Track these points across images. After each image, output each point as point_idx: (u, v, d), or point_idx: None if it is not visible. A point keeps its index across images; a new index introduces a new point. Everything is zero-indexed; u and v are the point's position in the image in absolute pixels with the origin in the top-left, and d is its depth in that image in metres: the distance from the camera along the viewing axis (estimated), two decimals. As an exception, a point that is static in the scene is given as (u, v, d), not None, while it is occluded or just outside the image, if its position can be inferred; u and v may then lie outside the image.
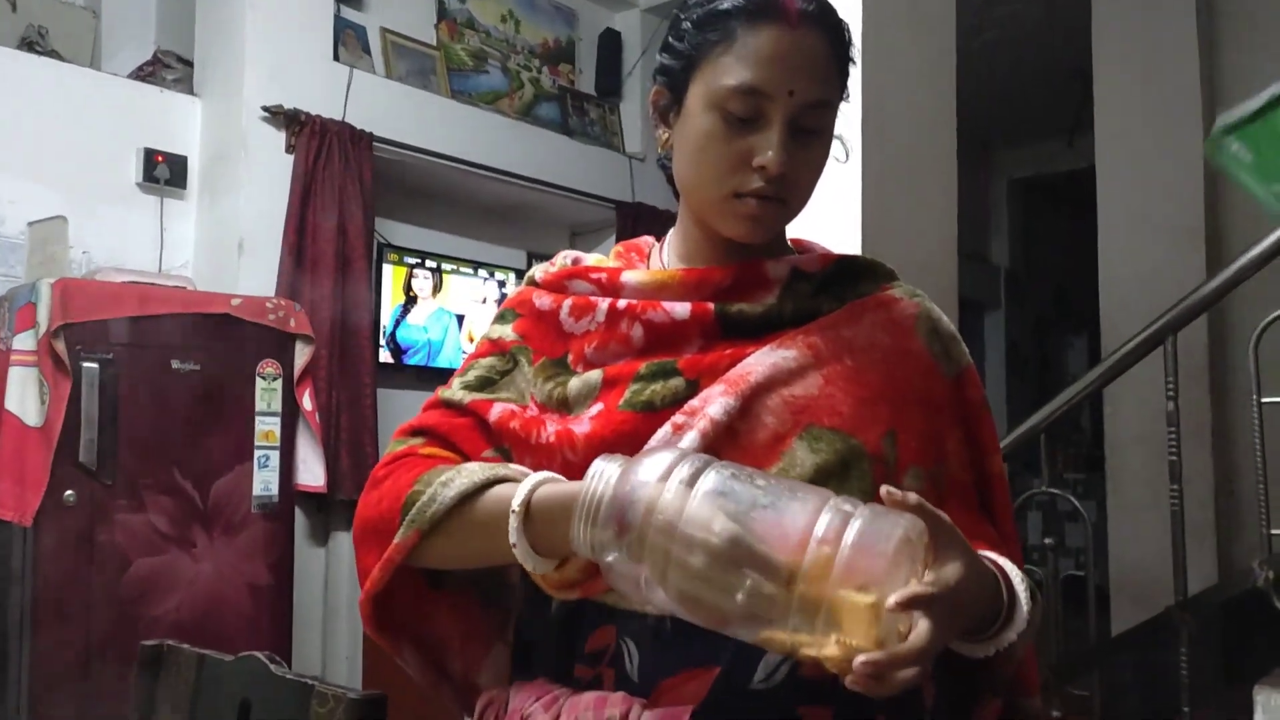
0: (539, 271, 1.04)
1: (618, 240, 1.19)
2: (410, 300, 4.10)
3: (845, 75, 0.96)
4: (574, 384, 0.93)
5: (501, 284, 4.34)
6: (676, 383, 0.91)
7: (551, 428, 0.92)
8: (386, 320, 3.98)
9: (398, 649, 1.01)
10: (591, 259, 1.03)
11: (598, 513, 0.75)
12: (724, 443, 0.88)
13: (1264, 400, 2.16)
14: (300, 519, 3.32)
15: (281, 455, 3.01)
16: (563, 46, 4.69)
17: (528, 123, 4.34)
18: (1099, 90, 3.52)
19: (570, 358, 0.96)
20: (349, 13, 3.84)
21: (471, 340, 4.26)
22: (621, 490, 0.74)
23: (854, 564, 0.69)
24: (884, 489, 0.74)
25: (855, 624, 0.68)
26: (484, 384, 0.99)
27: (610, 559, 0.75)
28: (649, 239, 1.08)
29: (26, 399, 2.65)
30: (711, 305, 0.94)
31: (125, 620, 2.64)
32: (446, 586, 1.01)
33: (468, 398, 0.98)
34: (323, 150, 3.51)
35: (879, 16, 1.80)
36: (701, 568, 0.71)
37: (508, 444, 0.95)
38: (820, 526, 0.71)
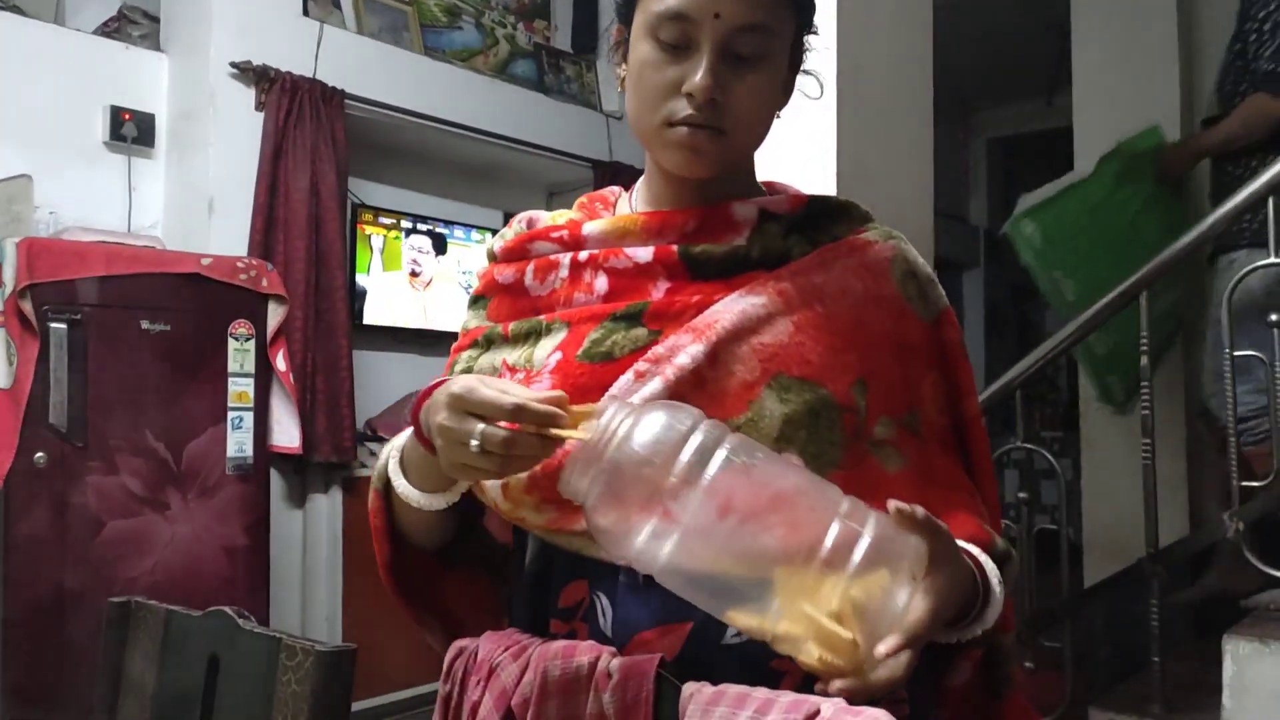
0: (496, 244, 1.02)
1: None
2: (414, 274, 4.09)
3: (796, 3, 0.93)
4: (543, 341, 0.93)
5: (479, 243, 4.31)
6: (638, 332, 0.90)
7: (518, 377, 0.92)
8: (363, 281, 3.94)
9: (421, 621, 1.04)
10: (548, 217, 1.02)
11: (607, 473, 0.74)
12: (691, 390, 0.87)
13: (1236, 354, 2.17)
14: (276, 481, 3.30)
15: (256, 417, 2.99)
16: (538, 3, 4.62)
17: (503, 80, 4.29)
18: (1077, 47, 3.50)
19: (542, 318, 0.95)
20: (319, -33, 3.77)
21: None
22: (630, 455, 0.73)
23: (850, 597, 0.71)
24: (893, 505, 0.74)
25: (838, 649, 0.70)
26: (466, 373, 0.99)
27: (603, 520, 0.75)
28: (616, 189, 1.06)
29: (-7, 360, 2.62)
30: (675, 247, 0.93)
31: (99, 582, 2.63)
32: (458, 566, 1.03)
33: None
34: (293, 108, 3.45)
35: (854, -33, 1.78)
36: (699, 550, 0.72)
37: None
38: (828, 543, 0.71)
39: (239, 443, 2.93)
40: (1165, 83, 3.14)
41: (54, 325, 2.60)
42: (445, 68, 4.06)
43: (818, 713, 0.74)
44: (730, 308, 0.90)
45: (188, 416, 2.85)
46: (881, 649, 0.70)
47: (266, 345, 3.02)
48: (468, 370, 0.98)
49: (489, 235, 4.29)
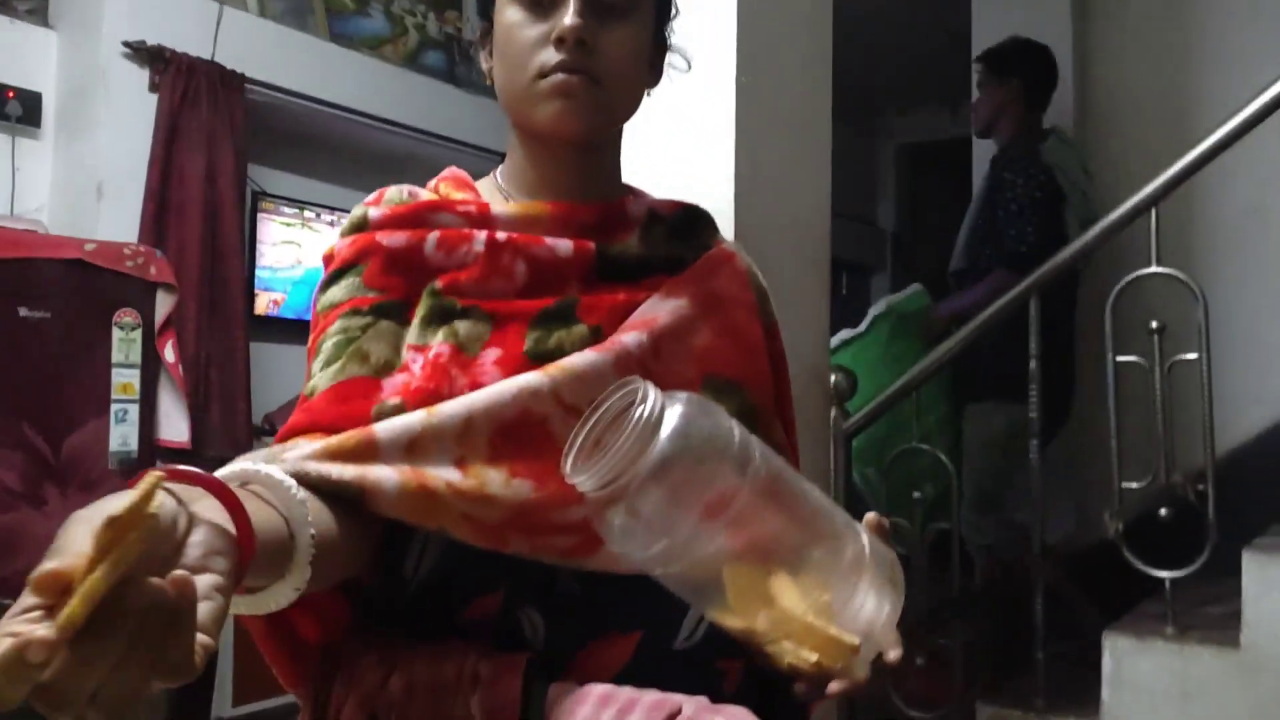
0: (372, 211, 0.92)
1: None
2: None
3: None
4: (462, 326, 0.86)
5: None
6: (580, 329, 0.87)
7: (461, 380, 0.83)
8: (264, 270, 3.83)
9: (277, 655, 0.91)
10: (425, 192, 0.97)
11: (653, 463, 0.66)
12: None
13: (1118, 359, 2.24)
14: (165, 476, 3.19)
15: (142, 409, 2.88)
16: (449, -8, 4.56)
17: (412, 70, 4.22)
18: (976, 58, 3.58)
19: (439, 286, 0.87)
20: (219, -54, 3.66)
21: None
22: (684, 448, 0.67)
23: (861, 614, 0.71)
24: (873, 517, 0.77)
25: (837, 653, 0.70)
26: (345, 347, 0.85)
27: (629, 512, 0.68)
28: (462, 173, 1.01)
29: None
30: (592, 244, 0.91)
31: (-31, 581, 2.50)
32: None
33: (341, 377, 0.83)
34: (190, 90, 3.34)
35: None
36: (717, 550, 0.68)
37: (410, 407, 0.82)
38: (838, 550, 0.72)
39: (123, 436, 2.82)
40: (1059, 96, 3.23)
41: (-77, 310, 2.47)
42: (352, 55, 3.97)
43: (679, 711, 0.73)
44: (660, 308, 0.90)
45: (68, 408, 2.73)
46: (893, 655, 0.74)
47: (154, 335, 2.91)
48: (343, 340, 0.84)
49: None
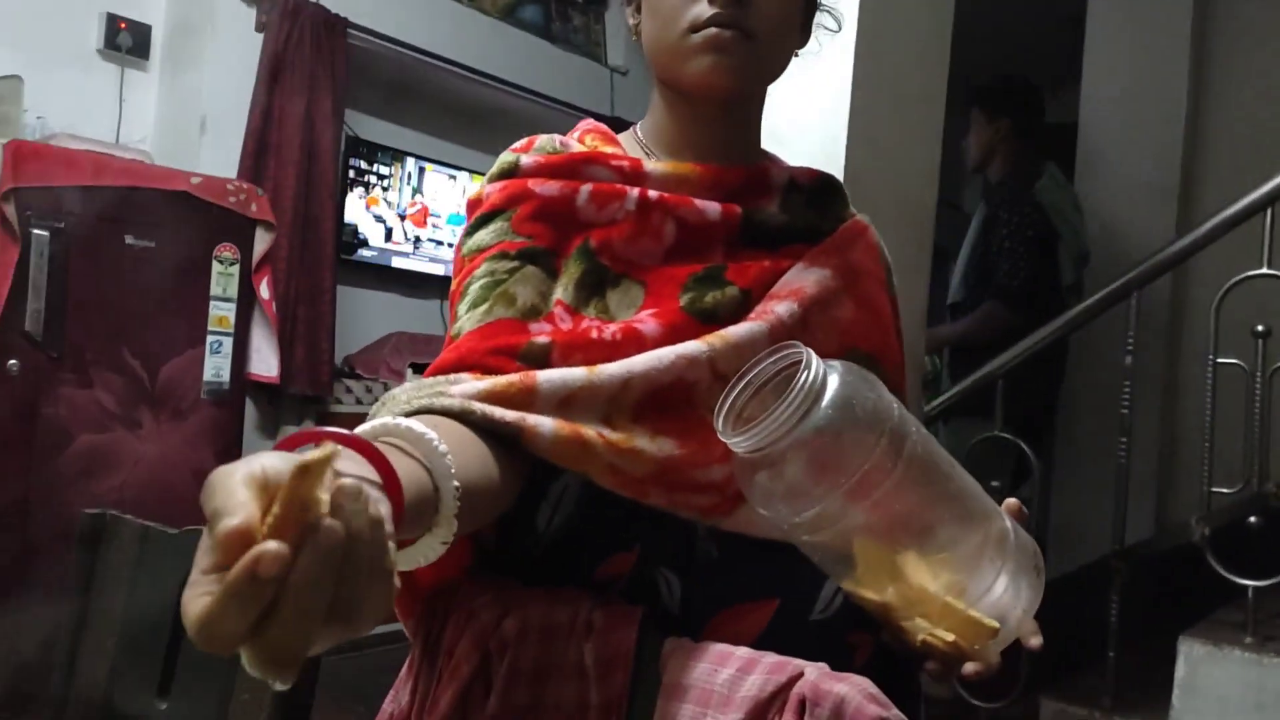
0: (523, 158, 0.90)
1: None
2: (402, 216, 4.03)
3: None
4: (613, 299, 0.85)
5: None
6: (732, 292, 0.86)
7: (612, 327, 0.83)
8: (352, 216, 3.89)
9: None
10: (573, 144, 0.94)
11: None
12: None
13: (1219, 360, 2.18)
14: (250, 409, 3.27)
15: (235, 343, 2.96)
16: (550, -52, 4.55)
17: (509, 23, 4.22)
18: (1090, 43, 3.49)
19: (593, 245, 0.86)
20: (331, -111, 3.69)
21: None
22: (849, 417, 0.67)
23: (999, 599, 0.71)
24: (1014, 503, 0.78)
25: (976, 635, 0.71)
26: (492, 289, 0.83)
27: (788, 477, 0.67)
28: (604, 126, 0.99)
29: (-28, 262, 2.57)
30: (739, 209, 0.90)
31: (65, 495, 2.60)
32: None
33: (489, 319, 0.82)
34: (294, 32, 3.39)
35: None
36: (867, 523, 0.68)
37: (557, 354, 0.81)
38: (986, 532, 0.71)
39: (216, 367, 2.89)
40: (1174, 83, 3.14)
41: (36, 232, 2.55)
42: (450, 5, 3.99)
43: (800, 675, 0.74)
44: (805, 277, 0.89)
45: (166, 337, 2.81)
46: (1035, 643, 0.75)
47: (251, 271, 2.98)
48: (497, 284, 0.83)
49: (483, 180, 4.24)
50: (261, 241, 2.99)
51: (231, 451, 2.98)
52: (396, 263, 4.06)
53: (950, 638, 0.69)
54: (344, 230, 3.82)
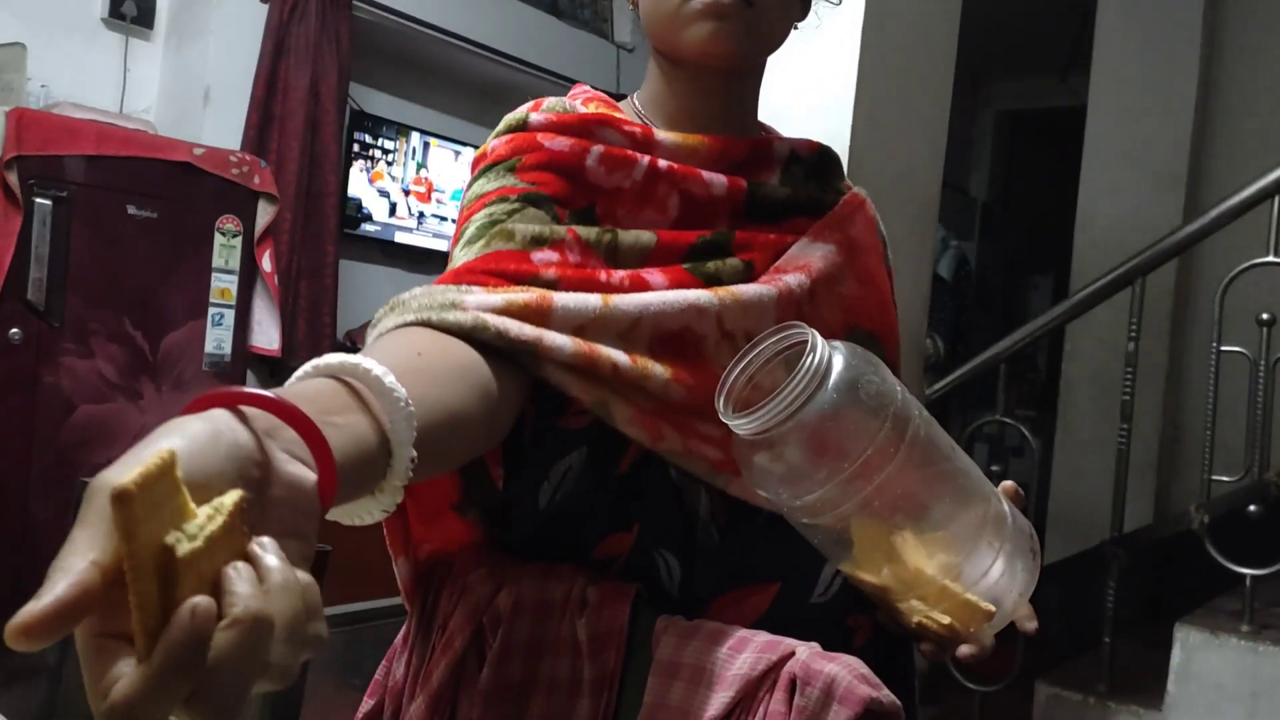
0: (532, 115, 0.87)
1: None
2: (406, 192, 4.01)
3: None
4: (625, 236, 0.82)
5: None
6: (734, 263, 0.85)
7: (620, 273, 0.80)
8: (355, 190, 3.88)
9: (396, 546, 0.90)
10: (579, 107, 0.90)
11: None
12: (793, 319, 0.84)
13: (1222, 348, 2.18)
14: (251, 382, 3.28)
15: (236, 315, 2.95)
16: (558, -78, 4.51)
17: (516, -1, 4.20)
18: (1100, 27, 3.46)
19: (597, 210, 0.83)
20: None
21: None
22: (853, 399, 0.65)
23: (995, 581, 0.70)
24: (1010, 485, 0.78)
25: (971, 617, 0.70)
26: (490, 228, 0.79)
27: (788, 459, 0.66)
28: (603, 94, 0.96)
29: (-26, 230, 2.56)
30: (744, 182, 0.88)
31: (65, 464, 2.61)
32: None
33: (486, 251, 0.77)
34: (299, 3, 3.37)
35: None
36: (863, 505, 0.67)
37: (564, 290, 0.77)
38: (984, 513, 0.71)
39: (218, 339, 2.89)
40: (1184, 68, 3.11)
41: (39, 200, 2.55)
42: (457, -22, 3.96)
43: (791, 654, 0.74)
44: (810, 252, 0.88)
45: (168, 308, 2.81)
46: (1030, 626, 0.75)
47: (254, 243, 2.97)
48: (495, 224, 0.78)
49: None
50: (264, 214, 2.98)
51: (232, 424, 2.97)
52: (400, 238, 4.06)
53: (946, 620, 0.69)
54: (347, 204, 3.81)
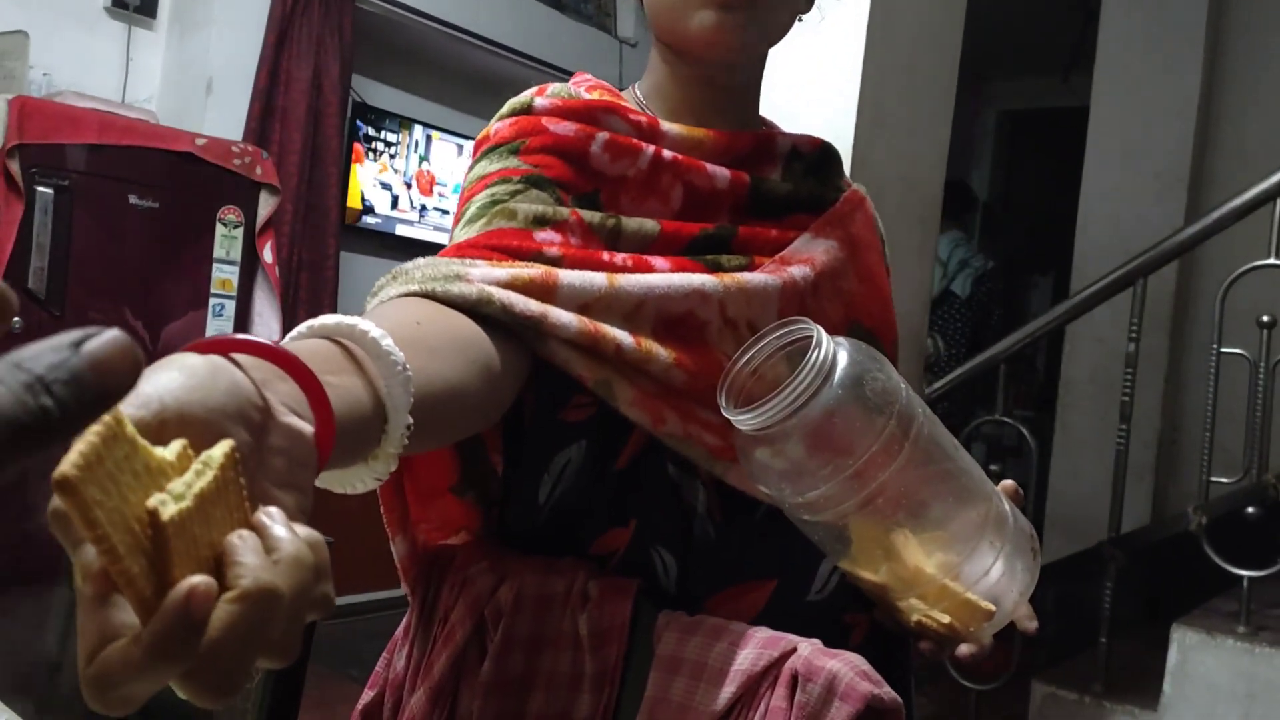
0: (538, 100, 0.86)
1: None
2: (408, 184, 4.00)
3: None
4: (629, 223, 0.81)
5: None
6: (737, 260, 0.85)
7: (623, 255, 0.80)
8: (357, 182, 3.88)
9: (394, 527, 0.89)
10: (584, 94, 0.90)
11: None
12: (796, 311, 0.83)
13: (1223, 350, 2.18)
14: (251, 374, 3.27)
15: (237, 306, 2.95)
16: (563, -84, 4.50)
17: (520, -8, 4.19)
18: (1104, 27, 3.46)
19: (601, 197, 0.82)
20: None
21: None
22: (857, 397, 0.65)
23: (995, 580, 0.70)
24: (1011, 485, 0.78)
25: (971, 617, 0.70)
26: (491, 208, 0.78)
27: (790, 455, 0.66)
28: (606, 83, 0.95)
29: (-25, 218, 2.56)
30: (747, 177, 0.88)
31: (64, 453, 2.60)
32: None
33: (488, 229, 0.76)
34: (303, -5, 3.36)
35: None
36: (868, 504, 0.66)
37: (568, 265, 0.76)
38: (986, 513, 0.71)
39: (218, 330, 2.89)
40: (1188, 70, 3.11)
41: (40, 189, 2.54)
42: (461, -29, 3.96)
43: (793, 650, 0.74)
44: (813, 248, 0.88)
45: (169, 298, 2.81)
46: (1031, 626, 0.75)
47: (255, 234, 2.97)
48: (496, 204, 0.77)
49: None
50: (266, 205, 2.98)
51: (232, 415, 2.98)
52: (401, 230, 4.05)
53: (946, 619, 0.69)
54: (349, 196, 3.81)
